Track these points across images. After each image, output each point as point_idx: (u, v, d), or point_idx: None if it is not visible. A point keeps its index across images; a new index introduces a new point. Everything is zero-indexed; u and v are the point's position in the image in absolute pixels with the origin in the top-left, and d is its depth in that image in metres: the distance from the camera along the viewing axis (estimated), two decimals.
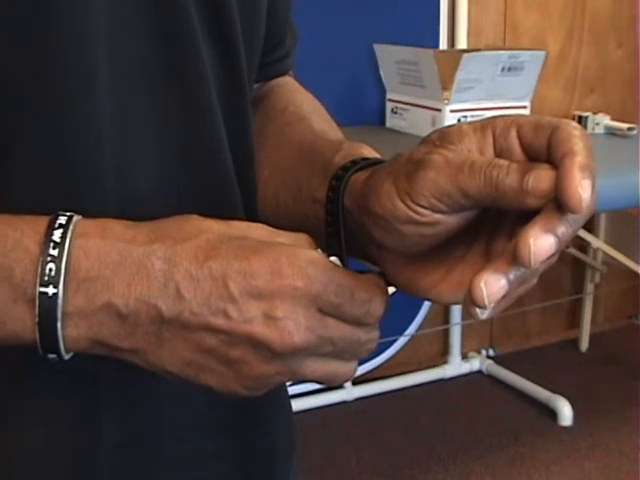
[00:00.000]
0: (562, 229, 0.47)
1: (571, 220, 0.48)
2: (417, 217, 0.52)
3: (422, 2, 2.67)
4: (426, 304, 2.91)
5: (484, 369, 3.05)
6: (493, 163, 0.50)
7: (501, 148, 0.51)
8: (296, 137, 0.71)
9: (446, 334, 3.05)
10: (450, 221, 0.52)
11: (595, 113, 2.68)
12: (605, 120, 2.64)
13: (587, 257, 3.11)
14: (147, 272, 0.49)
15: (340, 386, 2.78)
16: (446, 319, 3.03)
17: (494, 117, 0.53)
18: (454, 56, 2.30)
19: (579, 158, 0.47)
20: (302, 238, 0.54)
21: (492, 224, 0.54)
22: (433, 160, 0.51)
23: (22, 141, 0.54)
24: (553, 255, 0.48)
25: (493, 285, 0.48)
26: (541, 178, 0.48)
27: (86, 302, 0.49)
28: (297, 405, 2.55)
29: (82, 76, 0.54)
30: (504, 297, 0.49)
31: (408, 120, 2.48)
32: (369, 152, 0.64)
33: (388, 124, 2.58)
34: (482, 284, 0.48)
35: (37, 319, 0.49)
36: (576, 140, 0.48)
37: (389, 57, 2.50)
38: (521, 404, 2.81)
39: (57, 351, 0.50)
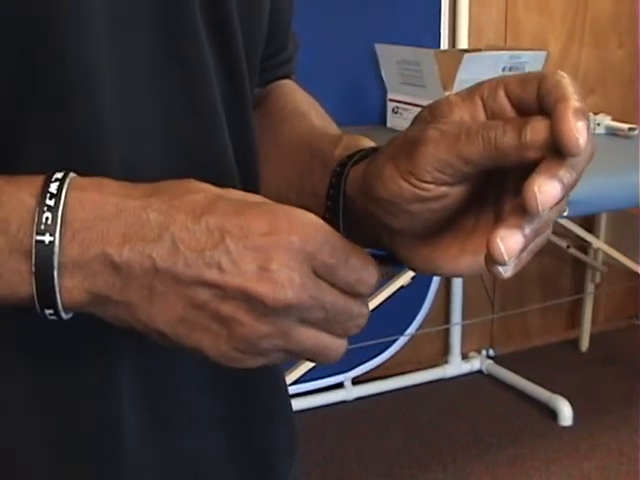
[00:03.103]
0: (565, 174, 0.48)
1: (572, 164, 0.48)
2: (423, 193, 0.53)
3: (423, 2, 2.68)
4: (426, 304, 2.92)
5: (484, 369, 3.05)
6: (488, 125, 0.50)
7: (492, 110, 0.52)
8: (296, 132, 0.72)
9: (446, 334, 3.06)
10: (456, 191, 0.53)
11: (596, 113, 2.68)
12: (606, 120, 2.64)
13: (587, 257, 3.12)
14: (142, 224, 0.49)
15: (341, 386, 2.79)
16: (446, 319, 3.03)
17: (479, 83, 0.53)
18: (455, 56, 2.31)
19: (571, 102, 0.47)
20: (306, 213, 0.53)
21: (496, 191, 0.54)
22: (429, 135, 0.52)
23: (25, 139, 0.54)
24: (560, 201, 0.48)
25: (509, 239, 0.48)
26: (537, 129, 0.48)
27: (81, 252, 0.49)
28: (297, 405, 2.55)
29: (85, 71, 0.54)
30: (522, 251, 0.50)
31: (409, 120, 2.44)
32: (367, 143, 0.64)
33: (389, 124, 2.58)
34: (498, 240, 0.48)
35: (34, 269, 0.49)
36: (565, 86, 0.48)
37: (390, 57, 2.51)
38: (521, 404, 2.82)
39: (54, 304, 0.50)
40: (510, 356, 3.14)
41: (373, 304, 2.31)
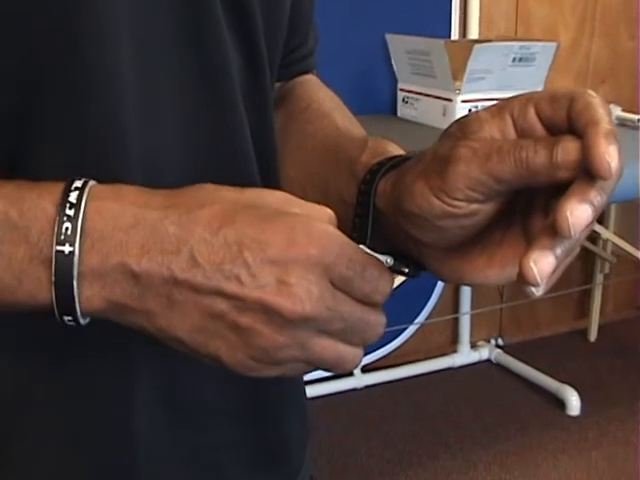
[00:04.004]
0: (596, 197, 0.49)
1: (603, 187, 0.49)
2: (455, 210, 0.53)
3: None
4: (436, 293, 2.93)
5: (493, 358, 3.06)
6: (520, 144, 0.51)
7: (522, 128, 0.52)
8: (320, 134, 0.72)
9: (455, 323, 3.06)
10: (486, 208, 0.54)
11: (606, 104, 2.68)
12: (616, 111, 2.64)
13: (596, 248, 3.11)
14: (161, 236, 0.50)
15: (350, 374, 2.79)
16: (455, 308, 3.04)
17: (509, 99, 0.54)
18: (465, 46, 2.30)
19: (602, 125, 0.48)
20: (323, 211, 0.54)
21: (525, 204, 0.55)
22: (460, 153, 0.52)
23: (47, 139, 0.55)
24: (591, 223, 0.49)
25: (542, 262, 0.49)
26: (568, 150, 0.49)
27: (100, 261, 0.50)
28: (307, 392, 2.56)
29: (107, 74, 0.55)
30: (554, 271, 0.50)
31: (419, 110, 2.48)
32: (394, 148, 0.65)
33: (399, 113, 2.59)
34: (531, 263, 0.49)
35: (54, 277, 0.49)
36: (595, 108, 0.49)
37: (401, 47, 2.51)
38: (529, 393, 2.83)
39: (73, 312, 0.51)
40: (519, 346, 3.14)
41: None
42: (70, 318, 0.51)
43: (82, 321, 0.52)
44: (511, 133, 0.53)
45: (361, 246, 0.54)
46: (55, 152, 0.55)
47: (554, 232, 0.49)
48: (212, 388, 0.66)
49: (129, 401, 0.61)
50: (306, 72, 0.83)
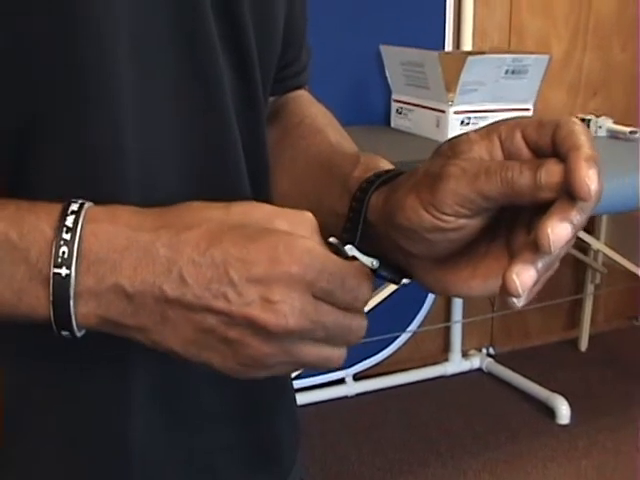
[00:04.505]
0: (575, 216, 0.52)
1: (582, 207, 0.52)
2: (443, 224, 0.57)
3: (428, 4, 2.70)
4: (428, 302, 2.95)
5: (484, 367, 3.07)
6: (506, 165, 0.54)
7: (509, 150, 0.56)
8: (313, 149, 0.75)
9: (447, 332, 3.08)
10: (473, 223, 0.57)
11: (598, 116, 2.71)
12: (608, 123, 2.67)
13: (587, 258, 3.13)
14: (152, 257, 0.53)
15: (342, 381, 2.81)
16: (447, 317, 3.06)
17: (497, 122, 0.57)
18: (459, 58, 2.33)
19: (583, 150, 0.52)
20: (304, 218, 0.57)
21: (509, 220, 0.58)
22: (451, 171, 0.56)
23: (46, 138, 0.57)
24: (570, 240, 0.53)
25: (524, 275, 0.53)
26: (551, 173, 0.53)
27: (95, 282, 0.53)
28: (299, 399, 2.57)
29: (104, 76, 0.57)
30: (534, 284, 0.54)
31: (413, 120, 2.50)
32: (385, 164, 0.68)
33: (393, 124, 2.61)
34: (514, 276, 0.53)
35: (52, 297, 0.53)
36: (578, 135, 0.53)
37: (395, 58, 2.53)
38: (520, 402, 2.84)
39: (70, 328, 0.54)
40: (510, 355, 3.16)
41: (374, 302, 2.34)
42: (67, 333, 0.54)
43: (78, 335, 0.55)
44: (498, 155, 0.56)
45: (349, 246, 0.58)
46: (55, 152, 0.58)
47: (536, 248, 0.52)
48: (207, 391, 0.68)
49: (125, 404, 0.63)
50: (299, 87, 0.85)
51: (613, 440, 2.62)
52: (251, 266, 0.53)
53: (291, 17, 0.76)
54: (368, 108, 2.65)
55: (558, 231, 0.52)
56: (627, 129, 2.58)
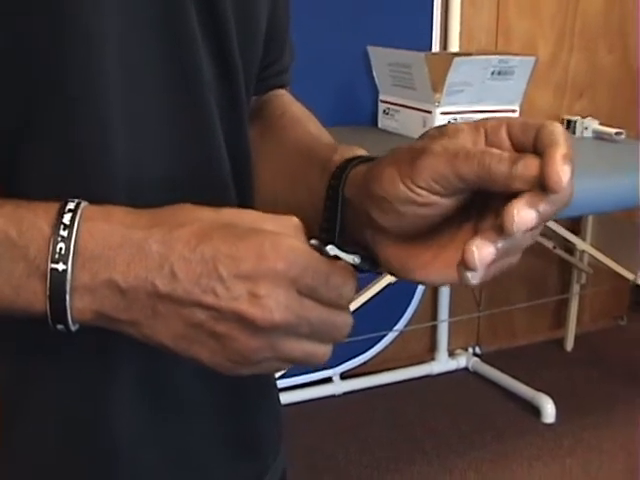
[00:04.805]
0: (543, 206, 0.54)
1: (552, 200, 0.54)
2: (416, 197, 0.59)
3: (416, 6, 2.71)
4: (414, 302, 2.96)
5: (470, 366, 3.09)
6: (487, 151, 0.56)
7: (492, 143, 0.58)
8: (294, 137, 0.78)
9: (434, 332, 3.10)
10: (445, 203, 0.59)
11: (584, 117, 2.73)
12: (594, 124, 2.69)
13: (573, 258, 3.16)
14: (145, 254, 0.55)
15: (329, 380, 2.83)
16: (434, 317, 3.07)
17: (485, 119, 0.60)
18: (445, 59, 2.34)
19: (561, 148, 0.54)
20: (290, 222, 0.59)
21: (479, 208, 0.60)
22: (432, 148, 0.58)
23: (32, 138, 0.59)
24: (533, 229, 0.55)
25: (483, 250, 0.55)
26: (528, 165, 0.55)
27: (90, 278, 0.55)
28: (286, 398, 2.58)
29: (91, 74, 0.59)
30: (491, 265, 0.56)
31: (399, 121, 2.52)
32: (363, 153, 0.70)
33: (380, 125, 2.62)
34: (474, 248, 0.55)
35: (48, 292, 0.54)
36: (558, 136, 0.55)
37: (382, 59, 2.55)
38: (505, 401, 2.86)
39: (65, 322, 0.56)
40: (496, 354, 3.18)
41: (361, 301, 2.35)
42: (62, 326, 0.56)
43: (73, 329, 0.56)
44: (482, 144, 0.58)
45: (330, 246, 0.59)
46: (43, 150, 0.59)
47: (500, 230, 0.55)
48: (192, 384, 0.70)
49: (112, 391, 0.65)
50: (281, 87, 0.87)
51: (598, 438, 2.64)
52: (239, 262, 0.54)
53: (273, 17, 0.77)
54: (355, 108, 2.67)
55: (523, 214, 0.54)
56: (613, 130, 2.60)
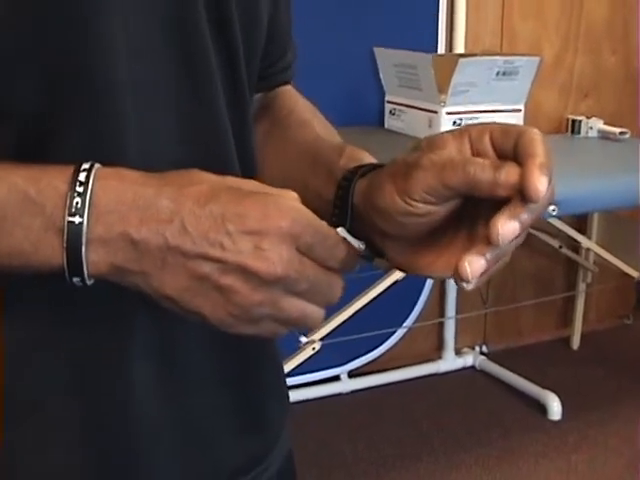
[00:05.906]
0: (524, 216, 0.60)
1: (531, 208, 0.60)
2: (413, 209, 0.64)
3: (422, 8, 2.74)
4: (421, 299, 2.99)
5: (477, 365, 3.11)
6: (470, 160, 0.62)
7: (477, 150, 0.63)
8: (300, 139, 0.82)
9: (441, 330, 3.11)
10: (439, 210, 0.64)
11: (589, 117, 2.76)
12: (598, 124, 2.72)
13: (579, 257, 3.17)
14: (157, 209, 0.58)
15: (337, 378, 2.86)
16: (441, 315, 3.09)
17: (469, 126, 0.65)
18: (451, 60, 2.36)
19: (538, 159, 0.60)
20: (290, 192, 0.63)
21: (472, 215, 0.66)
22: (422, 163, 0.63)
23: (56, 136, 0.63)
24: (518, 236, 0.61)
25: (475, 264, 0.61)
26: (509, 174, 0.60)
27: (105, 231, 0.58)
28: (294, 396, 2.60)
29: (109, 85, 0.63)
30: (484, 272, 0.62)
31: (406, 121, 2.55)
32: (367, 156, 0.75)
33: (386, 125, 2.65)
34: (466, 264, 0.61)
35: (65, 244, 0.58)
36: (536, 144, 0.61)
37: (388, 60, 2.57)
38: (512, 399, 2.88)
39: (81, 274, 0.59)
40: (502, 353, 3.19)
41: (368, 298, 2.38)
42: (79, 279, 0.59)
43: (88, 283, 0.60)
44: (467, 153, 0.64)
45: (340, 228, 0.64)
46: (67, 147, 0.63)
47: (488, 241, 0.60)
48: (203, 357, 0.73)
49: (124, 353, 0.68)
50: (286, 82, 0.91)
51: (603, 435, 2.66)
52: (245, 219, 0.58)
53: (276, 16, 0.81)
54: (362, 109, 2.70)
55: (507, 227, 0.60)
56: (617, 130, 2.63)
